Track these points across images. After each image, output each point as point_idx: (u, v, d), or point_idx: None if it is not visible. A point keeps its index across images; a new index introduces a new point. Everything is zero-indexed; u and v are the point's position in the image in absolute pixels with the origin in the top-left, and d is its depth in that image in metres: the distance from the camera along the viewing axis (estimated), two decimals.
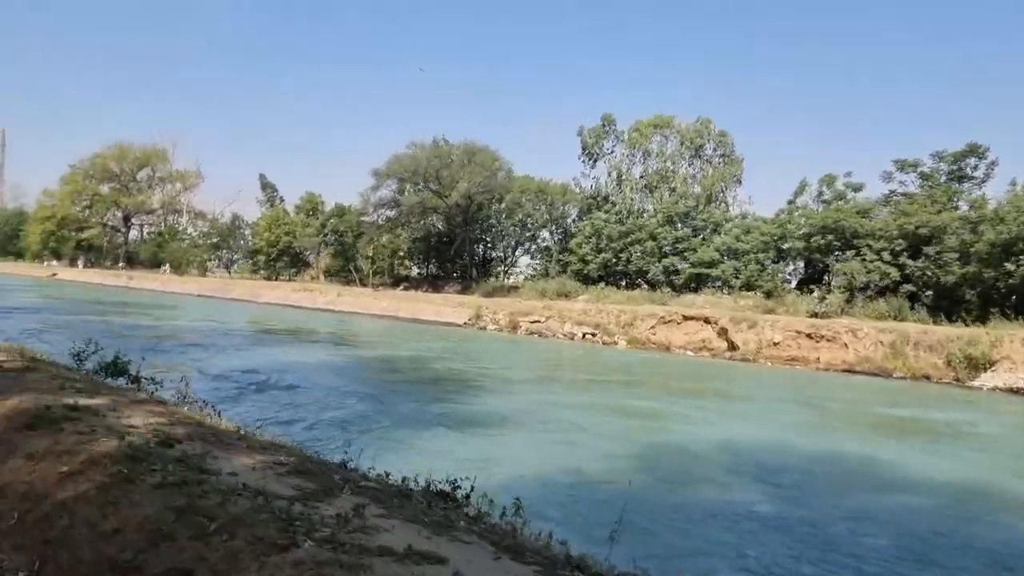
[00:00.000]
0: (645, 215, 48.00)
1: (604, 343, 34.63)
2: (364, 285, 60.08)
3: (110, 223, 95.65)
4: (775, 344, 30.52)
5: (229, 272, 80.00)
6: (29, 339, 20.02)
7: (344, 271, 64.45)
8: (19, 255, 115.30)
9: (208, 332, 31.45)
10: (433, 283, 56.25)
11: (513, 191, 49.79)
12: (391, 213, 49.01)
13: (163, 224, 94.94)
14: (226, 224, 79.19)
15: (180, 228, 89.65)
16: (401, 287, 57.34)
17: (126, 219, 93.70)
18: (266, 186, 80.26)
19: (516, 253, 56.21)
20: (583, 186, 51.48)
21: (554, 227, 51.26)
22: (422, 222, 50.07)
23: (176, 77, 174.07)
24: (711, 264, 43.08)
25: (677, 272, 43.96)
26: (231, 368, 19.83)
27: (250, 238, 78.86)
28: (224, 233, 78.78)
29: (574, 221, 51.71)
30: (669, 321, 34.64)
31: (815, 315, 34.35)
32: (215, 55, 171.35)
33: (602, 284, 45.84)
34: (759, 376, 26.60)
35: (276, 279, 71.94)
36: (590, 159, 50.53)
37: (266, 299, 53.87)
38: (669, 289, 43.42)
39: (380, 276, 64.14)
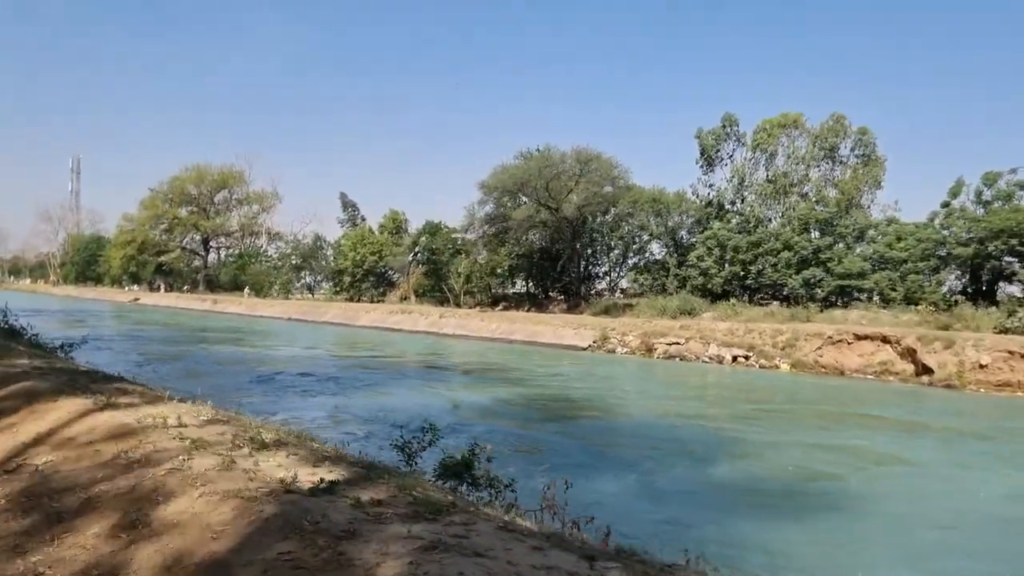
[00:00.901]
0: (774, 223, 43.84)
1: (762, 367, 30.65)
2: (458, 305, 57.15)
3: (188, 246, 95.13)
4: (982, 367, 26.17)
5: (312, 294, 78.01)
6: (141, 372, 17.23)
7: (435, 291, 61.59)
8: (98, 280, 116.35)
9: (324, 362, 28.55)
10: (535, 302, 52.89)
11: (623, 201, 46.16)
12: (493, 229, 45.75)
13: (241, 247, 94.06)
14: (308, 245, 77.22)
15: (261, 250, 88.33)
16: (499, 307, 54.14)
17: (205, 242, 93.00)
18: (347, 205, 78.24)
19: (621, 269, 52.52)
20: (700, 194, 47.56)
21: (669, 240, 47.38)
22: (525, 237, 46.72)
23: (244, 97, 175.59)
24: (860, 275, 38.71)
25: (818, 285, 39.64)
26: (380, 410, 16.65)
27: (331, 259, 76.82)
28: (307, 254, 76.82)
29: (689, 232, 47.80)
30: (838, 341, 30.47)
31: (1004, 331, 29.83)
32: (286, 74, 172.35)
33: (732, 300, 41.81)
34: (979, 406, 22.38)
35: (360, 300, 69.60)
36: (708, 164, 46.61)
37: (362, 322, 51.27)
38: (810, 303, 39.12)
39: (472, 296, 61.20)
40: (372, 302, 66.11)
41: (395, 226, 71.32)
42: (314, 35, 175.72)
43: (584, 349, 37.18)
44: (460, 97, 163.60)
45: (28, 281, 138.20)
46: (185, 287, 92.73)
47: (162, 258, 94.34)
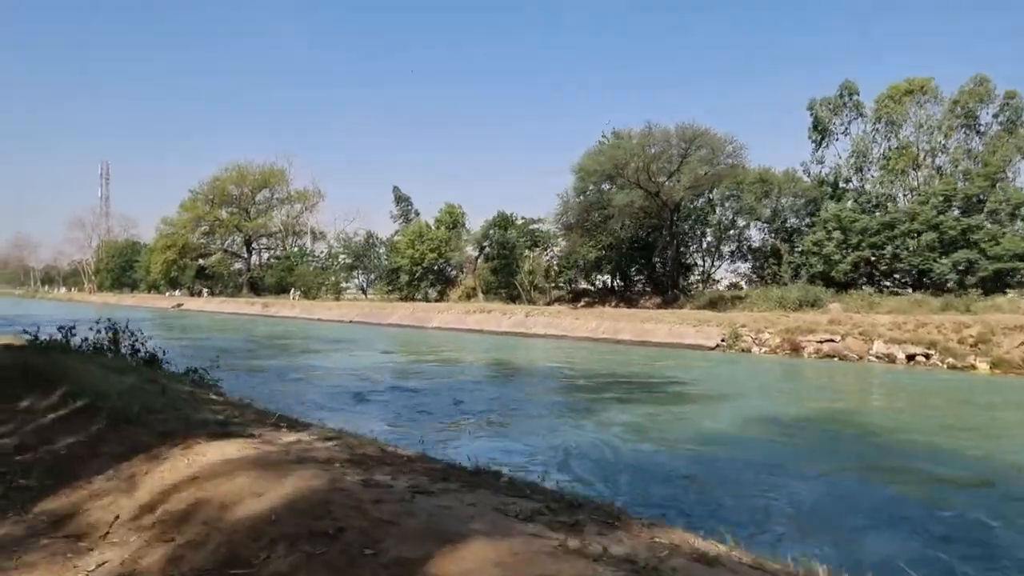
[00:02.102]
0: (901, 201, 39.07)
1: (951, 367, 25.98)
2: (531, 302, 52.89)
3: (229, 249, 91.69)
4: None
5: (365, 294, 74.05)
6: (238, 389, 13.17)
7: (502, 287, 57.32)
8: (133, 286, 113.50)
9: (425, 373, 24.13)
10: (623, 297, 48.43)
11: (723, 183, 41.52)
12: (595, 216, 41.08)
13: (283, 247, 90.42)
14: (360, 242, 73.23)
15: (308, 250, 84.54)
16: (581, 303, 49.76)
17: (247, 244, 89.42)
18: (400, 199, 74.23)
19: (716, 257, 47.89)
20: (811, 172, 42.78)
21: (780, 224, 42.70)
22: (619, 225, 42.17)
23: (277, 95, 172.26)
24: (1021, 257, 33.89)
25: (971, 270, 34.86)
26: (579, 453, 12.26)
27: (384, 257, 72.83)
28: (359, 252, 72.82)
29: (798, 215, 43.09)
30: None
31: None
32: (322, 72, 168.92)
33: (866, 288, 37.18)
34: None
35: (414, 299, 65.50)
36: (821, 139, 41.83)
37: (435, 324, 47.10)
38: (960, 290, 34.40)
39: (542, 292, 56.92)
40: (429, 301, 62.11)
41: (452, 220, 67.22)
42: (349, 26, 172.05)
43: (712, 349, 32.71)
44: (523, 81, 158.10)
45: (64, 290, 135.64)
46: (228, 291, 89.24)
47: (203, 261, 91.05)
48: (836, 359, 28.78)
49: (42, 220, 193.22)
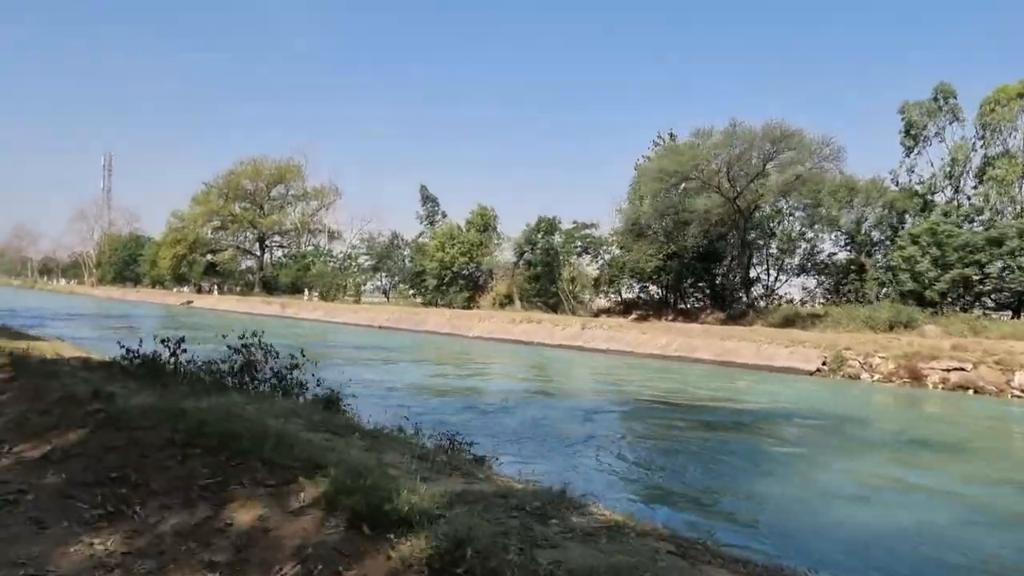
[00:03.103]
0: (1006, 216, 35.55)
1: None
2: (573, 312, 49.29)
3: (241, 246, 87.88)
4: None
5: (387, 298, 70.30)
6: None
7: (540, 295, 53.66)
8: (136, 280, 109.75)
9: (533, 402, 20.45)
10: (682, 311, 44.78)
11: (801, 190, 37.85)
12: (667, 222, 37.22)
13: (297, 246, 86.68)
14: (384, 243, 69.48)
15: (325, 249, 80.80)
16: (633, 315, 46.11)
17: (261, 241, 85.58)
18: (427, 199, 70.48)
19: (781, 270, 44.22)
20: (901, 181, 39.20)
21: (865, 236, 39.08)
22: (694, 233, 38.44)
23: (292, 85, 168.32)
24: None
25: None
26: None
27: (408, 259, 69.13)
28: (382, 254, 69.07)
29: (881, 227, 39.50)
30: None
31: None
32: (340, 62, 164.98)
33: (959, 310, 33.65)
34: None
35: (438, 305, 61.74)
36: (914, 144, 38.28)
37: (476, 332, 43.37)
38: None
39: (580, 303, 53.33)
40: (454, 307, 58.31)
41: (484, 223, 63.50)
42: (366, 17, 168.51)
43: (810, 373, 29.05)
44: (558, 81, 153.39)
45: (64, 282, 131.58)
46: (238, 288, 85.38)
47: (213, 257, 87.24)
48: (969, 391, 25.11)
49: (42, 211, 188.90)
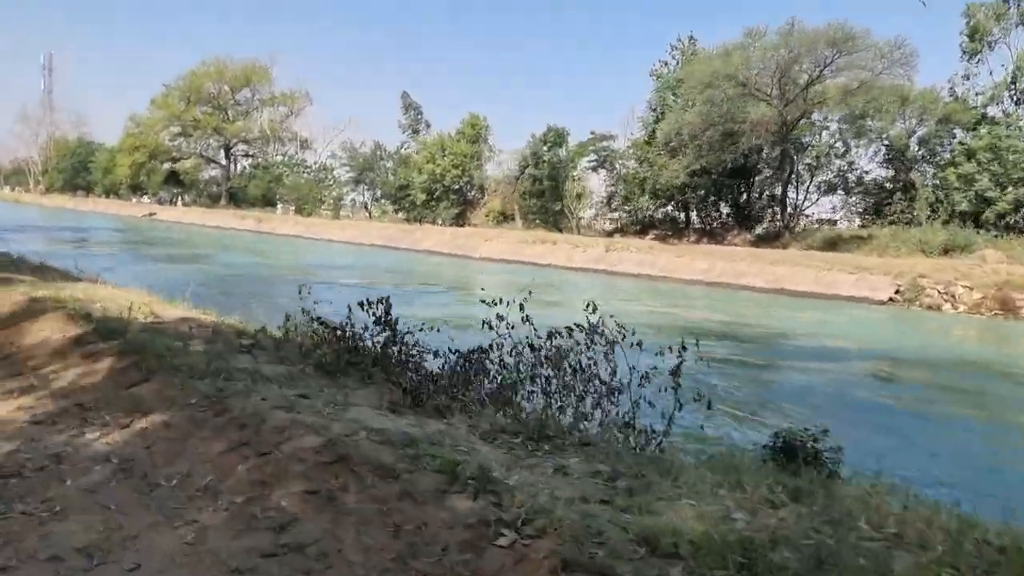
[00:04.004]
0: None
1: None
2: (579, 233, 45.96)
3: (205, 154, 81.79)
4: None
5: (369, 214, 65.85)
6: None
7: (540, 213, 50.01)
8: (88, 189, 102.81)
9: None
10: (706, 232, 41.67)
11: (854, 100, 34.22)
12: (715, 133, 33.15)
13: (266, 155, 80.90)
14: (366, 154, 64.57)
15: (299, 159, 75.38)
16: (650, 235, 42.90)
17: (227, 149, 79.59)
18: (409, 107, 65.28)
19: (809, 189, 41.07)
20: (959, 92, 35.85)
21: (919, 152, 35.92)
22: (733, 145, 34.75)
23: None
24: None
25: None
26: None
27: (392, 172, 64.51)
28: (364, 165, 64.27)
29: (929, 142, 36.39)
30: None
31: None
32: None
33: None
34: None
35: (421, 222, 57.79)
36: (976, 50, 34.82)
37: (484, 253, 39.77)
38: None
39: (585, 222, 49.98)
40: (441, 224, 54.43)
41: (475, 134, 58.96)
42: None
43: (881, 303, 26.33)
44: None
45: (8, 190, 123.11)
46: (200, 200, 79.73)
47: (175, 166, 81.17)
48: None
49: None
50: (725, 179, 39.26)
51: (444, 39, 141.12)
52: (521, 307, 4.77)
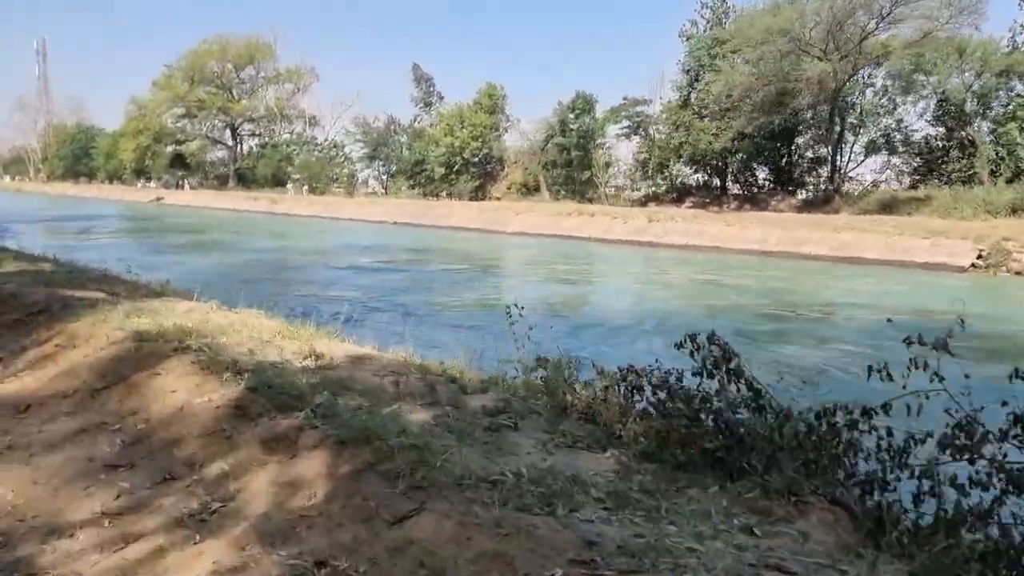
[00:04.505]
0: None
1: None
2: (609, 202, 44.10)
3: (211, 135, 79.61)
4: None
5: (385, 190, 63.90)
6: None
7: (568, 183, 48.07)
8: (90, 176, 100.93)
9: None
10: (744, 197, 39.80)
11: (900, 52, 32.07)
12: (760, 96, 30.95)
13: (272, 133, 78.75)
14: (380, 129, 62.50)
15: (309, 137, 73.28)
16: (687, 203, 41.04)
17: (233, 129, 77.45)
18: (421, 79, 63.04)
19: (855, 149, 39.04)
20: (1018, 40, 33.68)
21: (980, 107, 33.87)
22: (788, 105, 32.58)
23: None
24: None
25: None
26: None
27: (405, 146, 62.46)
28: (378, 140, 62.22)
29: (985, 97, 34.33)
30: None
31: None
32: None
33: None
34: None
35: (437, 196, 55.91)
36: None
37: (516, 228, 38.01)
38: None
39: (615, 189, 48.04)
40: (461, 199, 52.54)
41: (492, 104, 56.84)
42: None
43: (963, 269, 24.60)
44: None
45: (8, 179, 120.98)
46: (207, 182, 77.72)
47: (180, 148, 79.15)
48: None
49: None
50: (765, 141, 37.27)
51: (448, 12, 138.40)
52: None
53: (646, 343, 12.21)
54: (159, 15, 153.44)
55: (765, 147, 38.26)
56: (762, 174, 41.32)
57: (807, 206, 36.34)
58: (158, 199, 69.76)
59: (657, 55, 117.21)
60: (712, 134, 36.98)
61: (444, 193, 56.69)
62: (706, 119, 37.37)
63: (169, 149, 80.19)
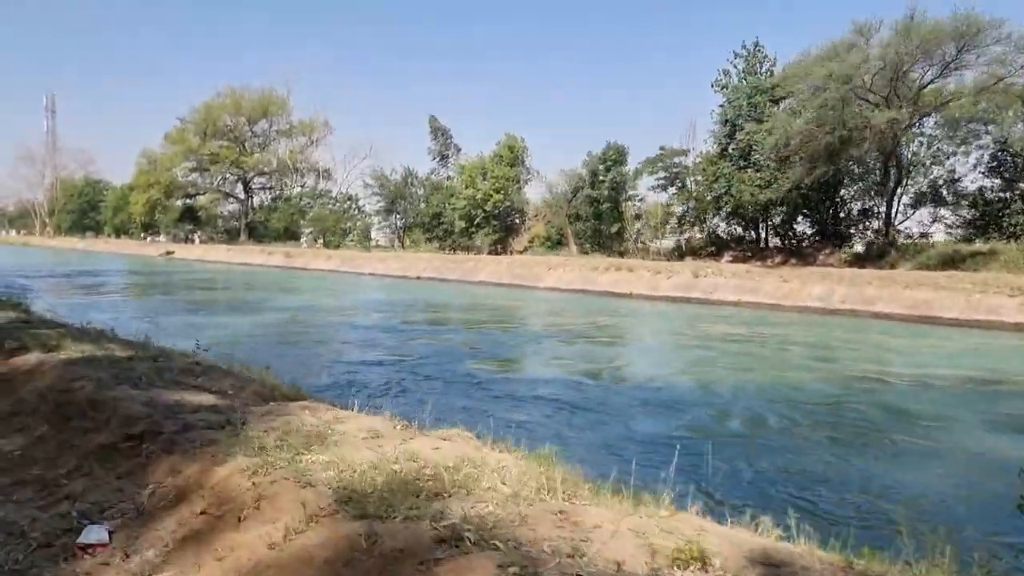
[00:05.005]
0: None
1: None
2: (621, 254, 42.50)
3: (221, 188, 78.43)
4: None
5: (402, 244, 62.38)
6: None
7: (595, 237, 46.58)
8: (96, 230, 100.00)
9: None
10: (793, 251, 38.09)
11: (962, 98, 30.60)
12: (820, 141, 29.23)
13: (284, 186, 77.59)
14: (397, 181, 61.24)
15: (323, 190, 72.08)
16: (726, 257, 39.37)
17: (245, 183, 76.32)
18: (438, 131, 61.91)
19: (903, 201, 37.41)
20: None
21: None
22: (846, 155, 30.92)
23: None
24: None
25: None
26: None
27: (422, 199, 61.14)
28: (395, 193, 60.91)
29: None
30: None
31: None
32: None
33: None
34: None
35: (455, 251, 54.52)
36: None
37: (551, 283, 36.19)
38: None
39: (644, 245, 46.50)
40: (479, 253, 51.10)
41: (513, 156, 55.62)
42: None
43: None
44: None
45: (14, 233, 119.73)
46: (218, 236, 76.31)
47: (194, 201, 77.95)
48: None
49: None
50: (812, 192, 35.75)
51: (464, 75, 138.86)
52: None
53: (807, 440, 10.23)
54: (169, 67, 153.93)
55: (811, 198, 36.72)
56: (802, 226, 39.73)
57: (859, 260, 34.61)
58: (168, 253, 68.20)
59: (664, 105, 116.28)
60: (755, 185, 35.45)
61: (465, 246, 55.36)
62: (748, 170, 35.82)
63: (179, 203, 79.00)
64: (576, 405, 11.43)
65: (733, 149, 37.19)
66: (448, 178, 60.36)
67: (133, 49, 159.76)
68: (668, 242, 45.15)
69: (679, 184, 40.68)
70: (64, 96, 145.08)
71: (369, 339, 19.10)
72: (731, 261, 38.45)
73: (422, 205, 60.69)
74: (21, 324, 8.85)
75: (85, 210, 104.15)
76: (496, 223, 53.44)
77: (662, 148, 41.07)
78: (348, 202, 69.25)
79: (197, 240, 73.75)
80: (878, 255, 33.92)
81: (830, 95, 27.20)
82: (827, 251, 36.74)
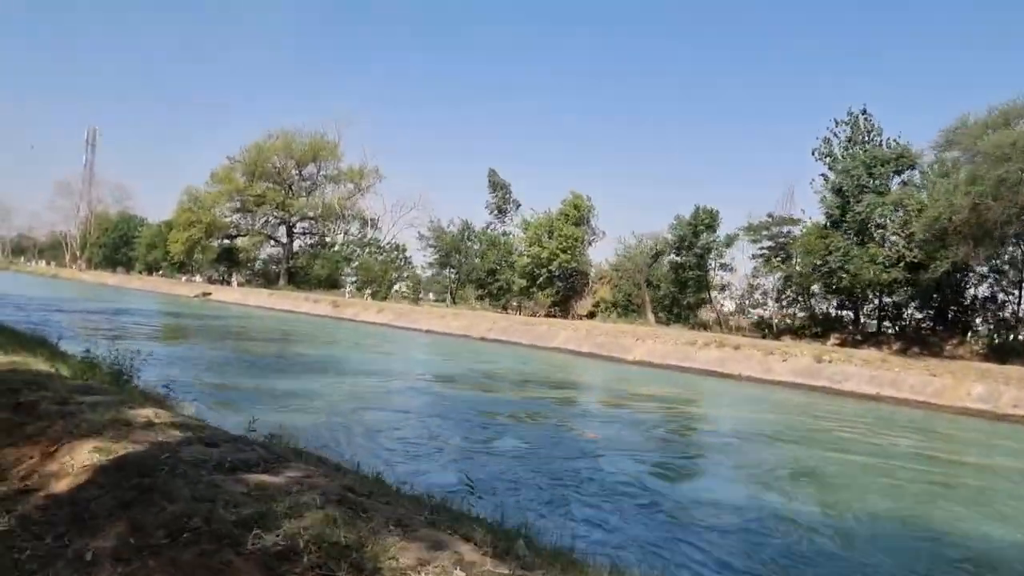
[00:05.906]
0: None
1: None
2: (704, 328, 38.81)
3: (263, 231, 75.84)
4: None
5: (453, 299, 58.95)
6: None
7: (673, 307, 42.96)
8: (128, 266, 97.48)
9: None
10: (912, 338, 34.10)
11: None
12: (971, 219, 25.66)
13: (325, 233, 74.92)
14: (453, 234, 58.18)
15: (371, 239, 69.16)
16: (831, 340, 35.41)
17: (288, 227, 73.67)
18: (497, 185, 59.05)
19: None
20: None
21: None
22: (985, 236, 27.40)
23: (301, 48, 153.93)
24: None
25: None
26: None
27: (477, 254, 57.93)
28: (451, 246, 57.78)
29: None
30: None
31: None
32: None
33: None
34: None
35: (513, 311, 51.19)
36: None
37: (639, 356, 32.38)
38: None
39: (715, 317, 42.77)
40: (536, 315, 47.70)
41: (579, 215, 52.42)
42: None
43: None
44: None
45: (44, 264, 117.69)
46: (255, 279, 73.50)
47: (234, 242, 75.32)
48: None
49: (20, 183, 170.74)
50: (920, 269, 31.91)
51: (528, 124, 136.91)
52: None
53: None
54: (215, 105, 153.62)
55: (939, 281, 32.92)
56: (910, 309, 35.95)
57: (995, 353, 30.58)
58: (205, 294, 65.10)
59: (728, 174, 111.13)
60: (878, 263, 31.74)
61: (523, 307, 52.08)
62: (868, 245, 32.19)
63: (218, 243, 76.41)
64: (796, 551, 7.59)
65: (850, 220, 33.65)
66: (505, 234, 57.39)
67: (179, 88, 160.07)
68: (739, 319, 41.54)
69: (783, 255, 37.01)
70: (107, 128, 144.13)
71: (478, 421, 15.44)
72: (838, 344, 34.58)
73: (477, 260, 57.49)
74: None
75: (118, 245, 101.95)
76: (560, 284, 50.03)
77: (770, 215, 37.55)
78: (395, 252, 66.32)
79: (234, 282, 70.69)
80: (1005, 350, 29.95)
81: (1012, 166, 23.58)
82: (954, 341, 32.79)
